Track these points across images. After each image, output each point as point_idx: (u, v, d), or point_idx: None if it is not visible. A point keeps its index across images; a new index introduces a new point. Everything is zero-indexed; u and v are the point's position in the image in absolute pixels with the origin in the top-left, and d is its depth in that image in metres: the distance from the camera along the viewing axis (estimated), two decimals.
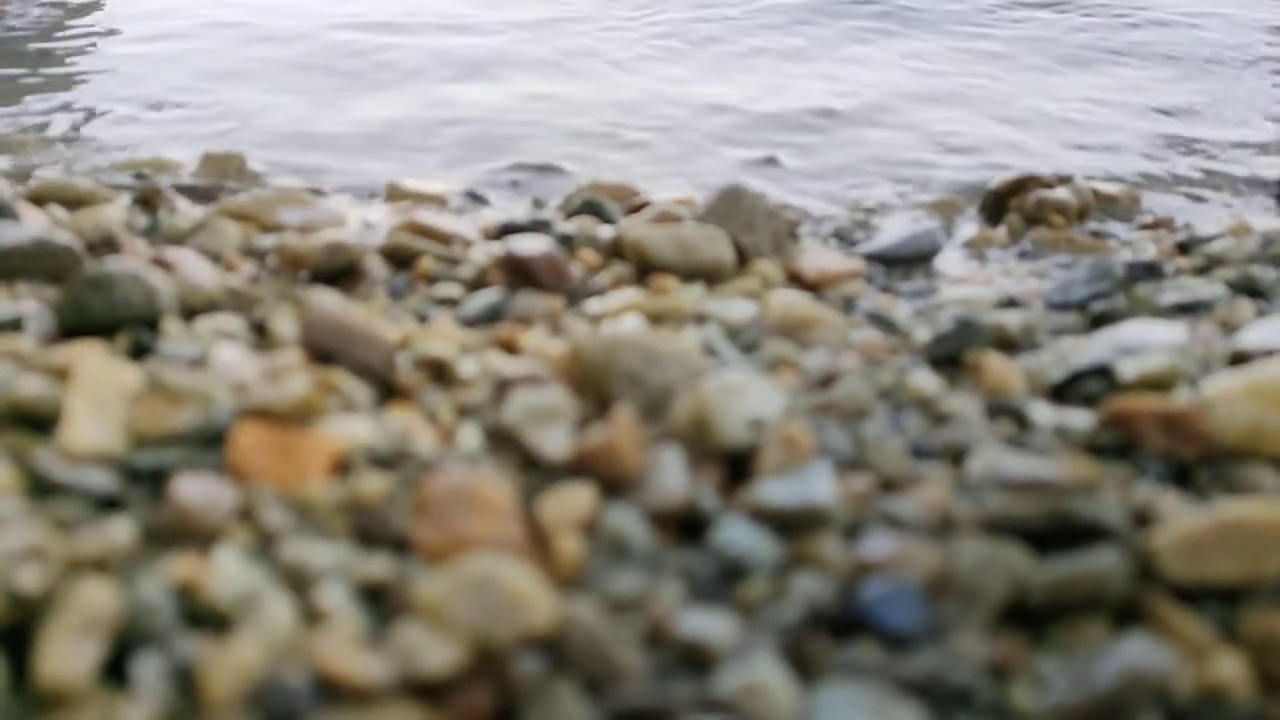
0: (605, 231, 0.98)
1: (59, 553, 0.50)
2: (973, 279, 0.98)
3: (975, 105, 1.46)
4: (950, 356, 0.77)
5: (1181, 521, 0.55)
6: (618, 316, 0.82)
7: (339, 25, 1.73)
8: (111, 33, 1.73)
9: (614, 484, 0.60)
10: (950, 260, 1.04)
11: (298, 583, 0.52)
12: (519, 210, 1.11)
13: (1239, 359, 0.75)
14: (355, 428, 0.63)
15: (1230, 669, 0.50)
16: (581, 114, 1.39)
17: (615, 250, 0.94)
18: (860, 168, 1.30)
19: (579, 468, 0.61)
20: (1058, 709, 0.48)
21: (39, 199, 1.01)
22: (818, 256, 0.95)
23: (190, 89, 1.48)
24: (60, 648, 0.45)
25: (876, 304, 0.89)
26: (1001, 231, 1.11)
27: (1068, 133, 1.43)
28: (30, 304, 0.76)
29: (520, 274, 0.86)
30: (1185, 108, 1.49)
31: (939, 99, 1.49)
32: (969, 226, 1.14)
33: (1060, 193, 1.13)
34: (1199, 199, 1.25)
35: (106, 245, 0.89)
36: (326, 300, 0.73)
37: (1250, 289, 0.92)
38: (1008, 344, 0.81)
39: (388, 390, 0.69)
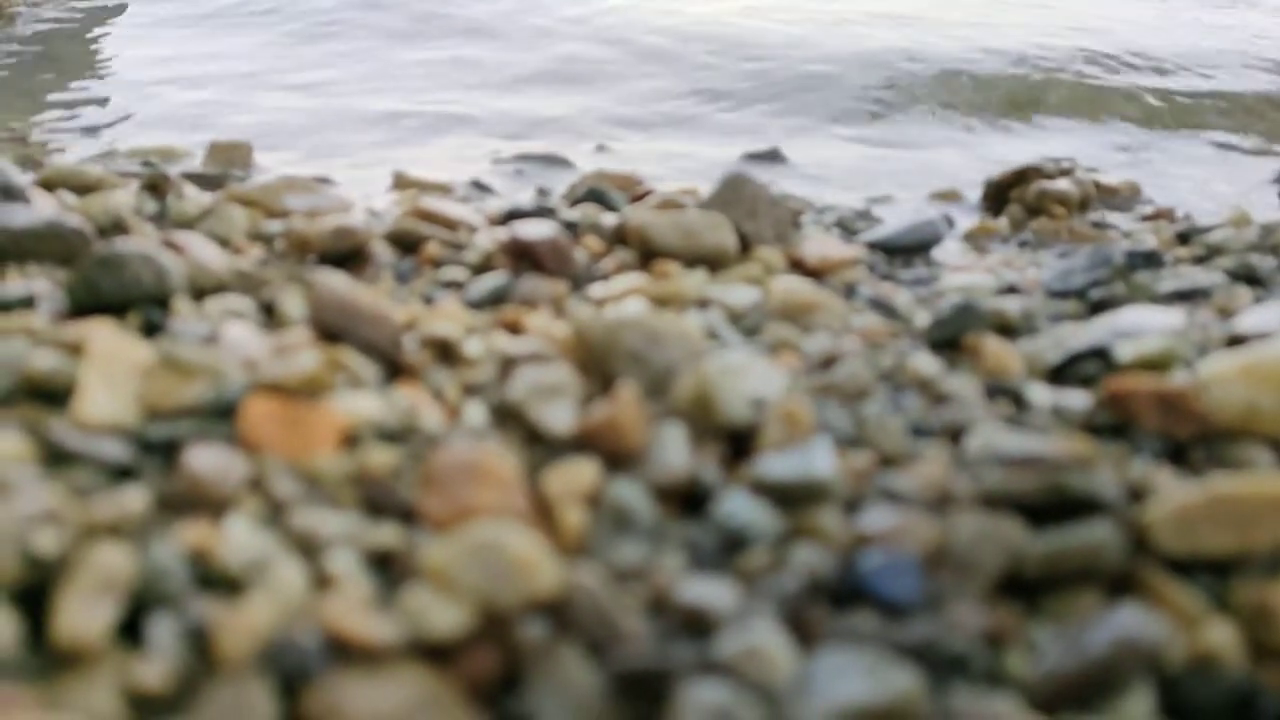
0: (609, 218, 0.99)
1: (75, 518, 0.51)
2: (973, 267, 0.99)
3: None
4: (950, 340, 0.78)
5: (1174, 495, 0.56)
6: (621, 300, 0.83)
7: None
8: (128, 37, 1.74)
9: (617, 459, 0.61)
10: (951, 250, 1.05)
11: (307, 549, 0.53)
12: (524, 197, 1.12)
13: (1235, 343, 0.76)
14: (363, 403, 0.64)
15: (1221, 638, 0.51)
16: None
17: (619, 237, 0.95)
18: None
19: (583, 443, 0.62)
20: (1050, 676, 0.49)
21: (49, 185, 1.02)
22: (819, 244, 0.96)
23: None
24: (77, 607, 0.47)
25: (878, 290, 0.90)
26: (1003, 222, 1.12)
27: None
28: (42, 284, 0.77)
29: (524, 258, 0.87)
30: None
31: None
32: (970, 217, 1.15)
33: (1062, 184, 1.14)
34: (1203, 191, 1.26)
35: (116, 229, 0.90)
36: (334, 280, 0.74)
37: (1249, 277, 0.93)
38: (1007, 329, 0.82)
39: (394, 369, 0.70)
